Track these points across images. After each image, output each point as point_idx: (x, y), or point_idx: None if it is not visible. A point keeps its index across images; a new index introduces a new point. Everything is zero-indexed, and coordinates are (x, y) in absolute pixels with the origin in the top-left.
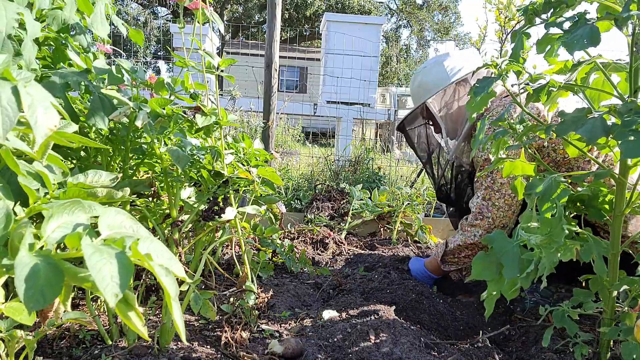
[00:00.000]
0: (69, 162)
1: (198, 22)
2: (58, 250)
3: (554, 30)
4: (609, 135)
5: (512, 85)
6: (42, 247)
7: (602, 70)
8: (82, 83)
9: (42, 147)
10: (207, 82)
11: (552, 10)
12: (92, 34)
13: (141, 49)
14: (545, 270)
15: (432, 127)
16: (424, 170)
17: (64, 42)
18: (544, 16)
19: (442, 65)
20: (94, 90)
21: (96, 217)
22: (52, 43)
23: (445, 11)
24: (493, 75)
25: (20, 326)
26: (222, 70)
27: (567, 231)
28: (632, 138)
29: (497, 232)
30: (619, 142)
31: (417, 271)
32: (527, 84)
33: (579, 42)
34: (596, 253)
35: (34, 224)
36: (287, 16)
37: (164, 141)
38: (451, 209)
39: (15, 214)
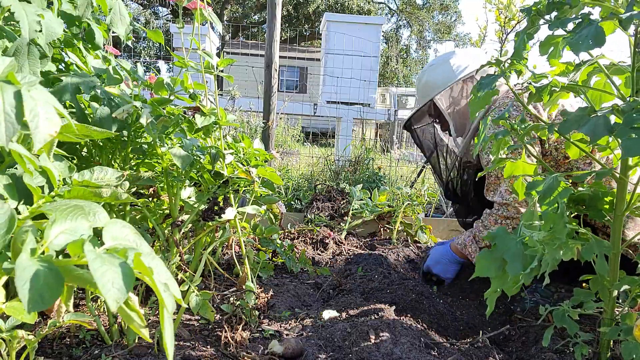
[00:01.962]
0: (70, 162)
1: (197, 22)
2: (60, 257)
3: (557, 32)
4: (612, 134)
5: (514, 85)
6: (44, 252)
7: (604, 71)
8: (94, 87)
9: (47, 145)
10: (207, 82)
11: (555, 11)
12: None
13: (152, 49)
14: (548, 267)
15: (438, 126)
16: (432, 168)
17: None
18: (547, 17)
19: (449, 63)
20: (103, 95)
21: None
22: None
23: (445, 10)
24: (496, 73)
25: (21, 326)
26: (221, 70)
27: (569, 228)
28: (633, 136)
29: (499, 229)
30: (620, 140)
31: (440, 254)
32: (530, 84)
33: (584, 43)
34: (598, 252)
35: (39, 219)
36: (285, 13)
37: (165, 141)
38: (457, 205)
39: (19, 212)
